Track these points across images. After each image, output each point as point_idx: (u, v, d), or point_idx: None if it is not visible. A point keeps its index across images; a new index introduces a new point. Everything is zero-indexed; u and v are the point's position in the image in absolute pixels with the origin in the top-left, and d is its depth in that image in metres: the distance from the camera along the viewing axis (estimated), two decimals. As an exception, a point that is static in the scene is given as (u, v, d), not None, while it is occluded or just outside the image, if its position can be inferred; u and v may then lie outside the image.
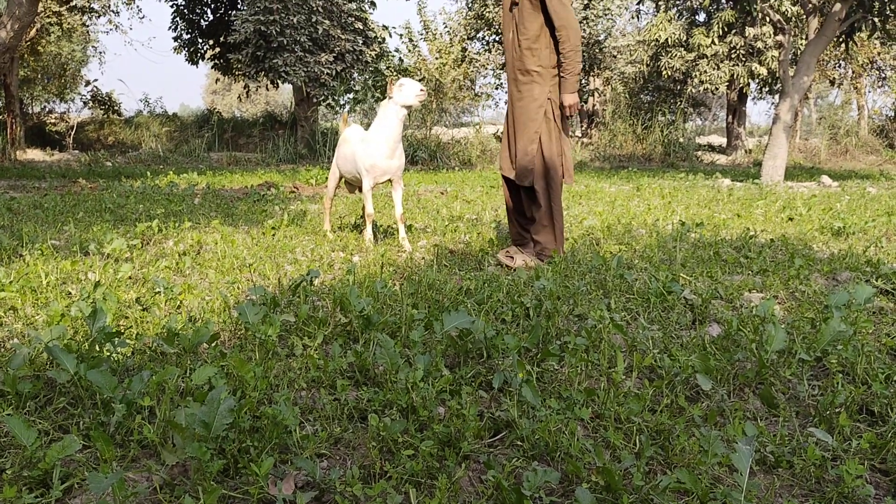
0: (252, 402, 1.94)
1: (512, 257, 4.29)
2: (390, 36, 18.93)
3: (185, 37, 20.19)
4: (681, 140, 20.90)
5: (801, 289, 3.60)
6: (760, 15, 14.03)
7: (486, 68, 22.09)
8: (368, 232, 4.97)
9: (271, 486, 1.66)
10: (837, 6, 11.49)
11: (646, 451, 1.77)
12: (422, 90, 4.70)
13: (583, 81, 22.29)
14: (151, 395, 2.00)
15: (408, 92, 4.70)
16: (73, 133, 21.19)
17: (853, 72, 24.79)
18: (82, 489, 1.66)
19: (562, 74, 4.21)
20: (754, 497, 1.63)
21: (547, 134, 4.29)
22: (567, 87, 4.21)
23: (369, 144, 4.82)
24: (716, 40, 19.96)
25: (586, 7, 20.54)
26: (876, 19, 12.02)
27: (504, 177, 4.49)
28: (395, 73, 18.86)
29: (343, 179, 5.41)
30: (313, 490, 1.67)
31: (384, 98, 4.93)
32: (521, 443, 1.91)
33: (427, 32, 21.02)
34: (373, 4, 18.51)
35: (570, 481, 1.74)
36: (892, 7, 11.79)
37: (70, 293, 3.35)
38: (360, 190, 5.16)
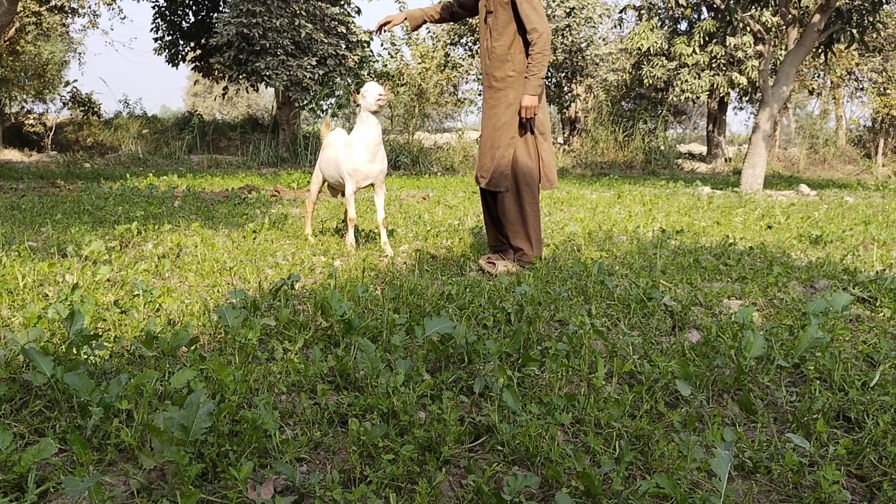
0: (231, 405, 1.93)
1: (493, 264, 4.30)
2: (372, 40, 18.91)
3: (167, 38, 20.06)
4: (662, 148, 21.07)
5: (780, 296, 3.64)
6: (741, 25, 14.19)
7: (470, 74, 22.15)
8: (350, 236, 4.96)
9: (250, 490, 1.65)
10: (817, 17, 11.65)
11: (625, 457, 1.78)
12: (381, 95, 4.63)
13: (565, 88, 22.41)
14: (129, 398, 1.98)
15: (369, 97, 4.65)
16: (51, 134, 21.00)
17: (832, 82, 25.13)
18: (58, 493, 1.64)
19: (526, 75, 4.20)
20: (732, 502, 1.65)
21: (523, 140, 4.30)
22: (529, 89, 4.18)
23: (351, 149, 4.81)
24: (697, 49, 20.16)
25: (569, 15, 20.65)
26: (854, 31, 12.19)
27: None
28: (373, 78, 18.84)
29: (326, 184, 5.40)
30: (293, 495, 1.66)
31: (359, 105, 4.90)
32: (502, 448, 1.91)
33: (410, 37, 21.04)
34: (358, 10, 18.49)
35: (550, 486, 1.74)
36: (870, 19, 11.96)
37: (47, 295, 3.32)
38: (343, 194, 5.15)
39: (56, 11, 19.80)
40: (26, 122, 21.69)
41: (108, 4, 20.86)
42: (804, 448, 1.92)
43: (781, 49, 18.58)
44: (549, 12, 20.28)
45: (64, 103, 21.87)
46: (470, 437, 1.99)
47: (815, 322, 2.82)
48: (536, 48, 4.14)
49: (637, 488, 1.64)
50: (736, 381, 2.39)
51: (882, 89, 23.52)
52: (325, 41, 16.94)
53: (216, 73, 20.06)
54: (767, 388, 2.41)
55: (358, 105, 4.77)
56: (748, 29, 13.79)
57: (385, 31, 4.80)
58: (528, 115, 4.20)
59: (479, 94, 22.65)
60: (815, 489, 1.73)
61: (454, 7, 4.71)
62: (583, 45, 21.31)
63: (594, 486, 1.63)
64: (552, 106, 23.16)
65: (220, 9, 19.11)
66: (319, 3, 16.82)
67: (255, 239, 5.20)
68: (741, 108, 26.18)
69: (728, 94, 21.31)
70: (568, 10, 20.62)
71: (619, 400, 2.14)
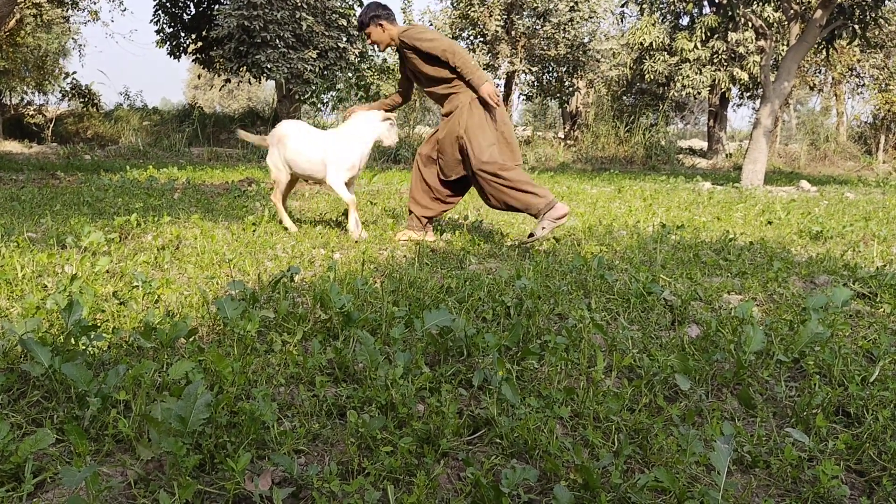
0: (230, 397, 1.92)
1: (532, 233, 4.65)
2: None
3: (168, 30, 19.99)
4: (662, 143, 21.05)
5: (780, 291, 3.63)
6: (743, 20, 14.14)
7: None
8: (353, 217, 5.02)
9: (248, 481, 1.64)
10: (819, 12, 11.61)
11: (624, 450, 1.77)
12: (391, 146, 5.15)
13: (566, 82, 22.37)
14: (127, 389, 1.97)
15: (391, 137, 5.06)
16: (51, 126, 20.96)
17: (833, 78, 25.09)
18: (55, 483, 1.63)
19: (466, 81, 4.65)
20: (731, 496, 1.64)
21: (480, 128, 4.67)
22: (477, 82, 4.59)
23: (349, 145, 4.86)
24: (698, 45, 20.13)
25: (572, 9, 20.59)
26: (856, 26, 12.16)
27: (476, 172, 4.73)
28: (375, 73, 18.81)
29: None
30: (290, 486, 1.65)
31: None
32: (500, 440, 1.91)
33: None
34: (358, 2, 18.43)
35: (548, 479, 1.73)
36: (872, 15, 11.93)
37: (46, 286, 3.31)
38: (311, 183, 5.29)
39: (56, 4, 19.73)
40: (26, 113, 21.64)
41: (108, -3, 20.78)
42: (803, 443, 1.92)
43: (783, 45, 18.56)
44: (551, 6, 20.23)
45: (64, 94, 21.78)
46: (468, 430, 1.98)
47: (815, 317, 2.81)
48: (457, 63, 4.59)
49: (636, 482, 1.64)
50: (735, 375, 2.38)
51: (883, 85, 23.49)
52: (326, 34, 16.90)
53: (217, 66, 20.01)
54: (767, 383, 2.40)
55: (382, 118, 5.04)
56: (750, 24, 13.76)
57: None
58: (496, 99, 4.58)
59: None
60: (815, 484, 1.73)
61: (404, 82, 5.12)
62: (585, 39, 21.26)
63: (593, 479, 1.63)
64: (554, 100, 23.14)
65: (221, 1, 19.05)
66: (320, -5, 16.77)
67: (254, 231, 5.19)
68: (742, 105, 26.16)
69: (729, 89, 21.31)
70: (571, 5, 20.55)
71: (618, 394, 2.14)
